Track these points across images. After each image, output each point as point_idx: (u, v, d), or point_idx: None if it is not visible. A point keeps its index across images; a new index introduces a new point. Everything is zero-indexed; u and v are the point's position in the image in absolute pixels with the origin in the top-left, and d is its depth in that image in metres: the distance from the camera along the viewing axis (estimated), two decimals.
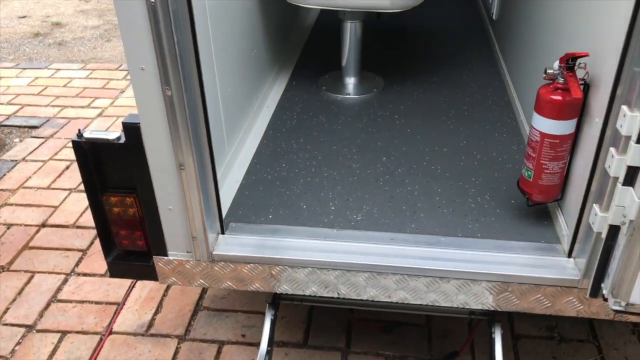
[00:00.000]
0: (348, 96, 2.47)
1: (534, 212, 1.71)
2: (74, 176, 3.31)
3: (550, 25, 1.91)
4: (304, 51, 2.95)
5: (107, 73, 4.64)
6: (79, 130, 1.50)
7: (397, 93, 2.49)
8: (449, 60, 2.79)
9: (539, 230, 1.66)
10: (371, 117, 2.31)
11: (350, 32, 2.42)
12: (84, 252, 2.75)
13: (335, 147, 2.11)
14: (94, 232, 2.84)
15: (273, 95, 2.48)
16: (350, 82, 2.54)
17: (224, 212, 1.74)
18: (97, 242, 2.79)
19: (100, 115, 3.99)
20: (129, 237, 1.65)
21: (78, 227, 2.92)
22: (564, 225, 1.60)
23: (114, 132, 1.49)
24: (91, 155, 1.53)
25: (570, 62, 1.41)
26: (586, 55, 1.38)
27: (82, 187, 3.18)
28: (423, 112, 2.33)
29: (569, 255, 1.54)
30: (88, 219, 2.94)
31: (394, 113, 2.33)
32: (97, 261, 2.68)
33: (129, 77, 4.61)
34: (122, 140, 1.47)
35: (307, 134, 2.19)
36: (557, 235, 1.63)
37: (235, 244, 1.65)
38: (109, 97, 4.22)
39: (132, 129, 1.44)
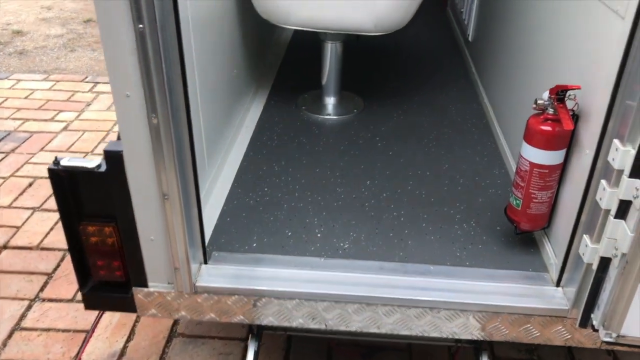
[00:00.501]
0: (328, 117, 2.44)
1: (520, 239, 1.72)
2: (37, 194, 3.17)
3: (531, 49, 1.92)
4: (281, 69, 2.92)
5: (71, 85, 4.49)
6: (56, 157, 1.42)
7: (377, 114, 2.48)
8: (427, 81, 2.80)
9: (526, 258, 1.66)
10: (353, 138, 2.29)
11: (331, 52, 2.39)
12: (49, 275, 2.62)
13: (318, 169, 2.07)
14: (60, 254, 2.72)
15: (252, 115, 2.44)
16: (330, 102, 2.51)
17: (206, 240, 1.68)
18: (63, 265, 2.66)
19: (65, 129, 3.84)
20: (107, 268, 1.57)
21: (42, 248, 2.78)
22: (552, 254, 1.60)
23: (93, 160, 1.42)
24: (68, 184, 1.45)
25: (560, 93, 1.42)
26: (578, 89, 1.39)
27: (46, 205, 3.06)
28: (404, 134, 2.32)
29: (558, 284, 1.54)
30: (53, 240, 2.81)
31: (375, 135, 2.31)
32: (64, 285, 2.56)
33: (95, 89, 4.49)
34: (103, 168, 1.40)
35: (288, 156, 2.15)
36: (544, 263, 1.63)
37: (219, 275, 1.59)
38: (74, 110, 4.08)
39: (114, 157, 1.37)
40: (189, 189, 1.43)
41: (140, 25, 1.19)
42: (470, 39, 2.93)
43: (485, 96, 2.54)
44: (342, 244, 1.70)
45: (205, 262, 1.61)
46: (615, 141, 1.27)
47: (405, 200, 1.91)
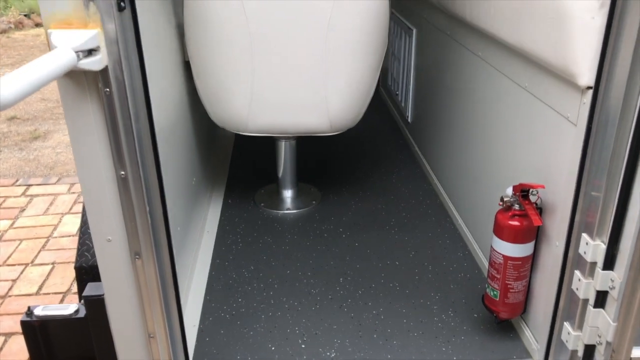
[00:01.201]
0: (288, 211, 2.46)
1: (498, 325, 1.76)
2: None
3: (477, 133, 2.05)
4: (232, 163, 2.92)
5: (1, 190, 4.27)
6: (29, 307, 1.34)
7: (335, 204, 2.52)
8: (376, 165, 2.89)
9: (508, 345, 1.70)
10: (317, 232, 2.30)
11: (286, 149, 2.44)
12: None
13: (289, 271, 2.06)
14: None
15: (211, 218, 2.41)
16: (288, 196, 2.53)
17: None
18: None
19: None
20: None
21: None
22: (532, 340, 1.65)
23: (69, 306, 1.35)
24: (42, 333, 1.36)
25: (524, 190, 1.51)
26: (542, 188, 1.49)
27: None
28: (365, 223, 2.36)
29: None
30: None
31: (337, 226, 2.34)
32: None
33: (28, 192, 4.29)
34: (81, 314, 1.33)
35: (256, 259, 2.13)
36: (526, 349, 1.68)
37: None
38: (8, 218, 3.86)
39: (95, 302, 1.30)
40: (175, 328, 1.38)
41: (122, 172, 1.18)
42: (409, 120, 3.08)
43: (435, 176, 2.65)
44: (328, 353, 1.67)
45: None
46: (585, 235, 1.36)
47: (381, 295, 1.92)
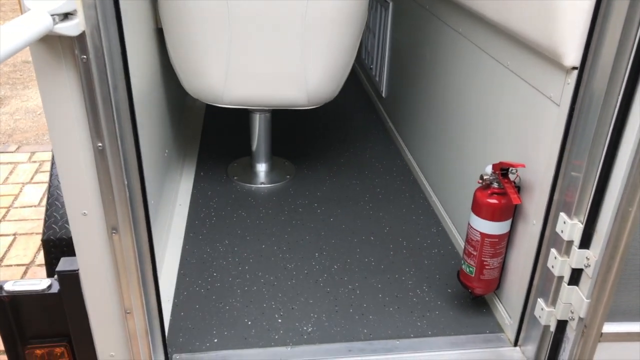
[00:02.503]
0: (262, 185, 2.43)
1: (472, 301, 1.80)
2: None
3: (453, 110, 2.05)
4: (203, 134, 2.86)
5: None
6: None
7: (310, 178, 2.50)
8: (350, 140, 2.87)
9: (481, 319, 1.74)
10: (291, 207, 2.29)
11: (260, 121, 2.39)
12: None
13: (264, 245, 2.04)
14: None
15: (183, 190, 2.36)
16: (262, 169, 2.50)
17: None
18: None
19: None
20: None
21: None
22: (505, 315, 1.69)
23: (41, 281, 1.30)
24: (12, 309, 1.31)
25: (504, 169, 1.52)
26: (522, 167, 1.50)
27: None
28: (340, 198, 2.36)
29: (515, 344, 1.63)
30: None
31: (312, 201, 2.33)
32: None
33: None
34: (55, 289, 1.29)
35: (230, 233, 2.10)
36: (499, 323, 1.72)
37: None
38: None
39: (69, 277, 1.26)
40: (152, 303, 1.35)
41: (100, 144, 1.13)
42: (383, 95, 3.07)
43: (408, 152, 2.65)
44: (305, 328, 1.68)
45: None
46: (563, 214, 1.38)
47: (357, 270, 1.93)
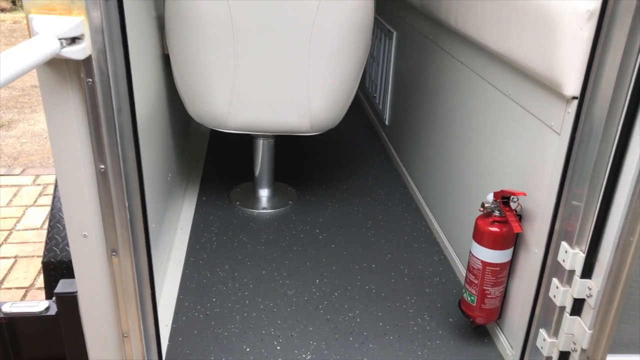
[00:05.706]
0: (264, 211, 2.43)
1: (473, 330, 1.77)
2: None
3: (456, 139, 2.06)
4: (207, 159, 2.88)
5: None
6: None
7: (312, 204, 2.50)
8: (352, 167, 2.88)
9: (482, 349, 1.71)
10: (292, 232, 2.28)
11: (263, 147, 2.40)
12: None
13: (264, 271, 2.03)
14: None
15: (185, 214, 2.36)
16: (264, 195, 2.50)
17: None
18: None
19: None
20: None
21: None
22: (507, 345, 1.67)
23: (39, 303, 1.29)
24: (9, 331, 1.30)
25: (505, 197, 1.52)
26: (523, 195, 1.50)
27: None
28: (342, 225, 2.35)
29: None
30: None
31: (314, 227, 2.33)
32: None
33: None
34: (52, 311, 1.28)
35: (231, 258, 2.09)
36: (500, 354, 1.69)
37: None
38: None
39: (67, 299, 1.25)
40: (149, 327, 1.34)
41: (102, 166, 1.14)
42: (386, 122, 3.09)
43: (410, 179, 2.66)
44: (304, 356, 1.66)
45: None
46: (564, 243, 1.37)
47: (357, 297, 1.92)
